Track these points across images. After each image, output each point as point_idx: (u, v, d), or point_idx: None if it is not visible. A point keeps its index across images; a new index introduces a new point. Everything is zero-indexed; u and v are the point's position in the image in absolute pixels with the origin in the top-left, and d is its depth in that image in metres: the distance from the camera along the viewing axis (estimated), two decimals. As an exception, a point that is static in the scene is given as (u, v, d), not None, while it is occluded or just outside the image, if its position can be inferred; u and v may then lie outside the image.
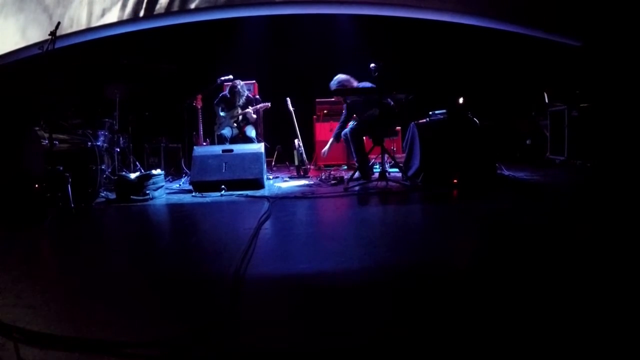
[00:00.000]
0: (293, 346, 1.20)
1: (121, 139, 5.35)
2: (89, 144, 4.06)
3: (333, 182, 4.73)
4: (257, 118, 6.02)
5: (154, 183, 4.22)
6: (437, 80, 6.89)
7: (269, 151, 6.27)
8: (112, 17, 7.10)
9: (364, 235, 2.48)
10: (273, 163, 7.08)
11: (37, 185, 3.25)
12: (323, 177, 4.97)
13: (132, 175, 4.24)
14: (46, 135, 3.51)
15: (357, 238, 2.44)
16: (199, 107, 5.75)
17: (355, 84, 4.97)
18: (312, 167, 6.12)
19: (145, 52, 7.14)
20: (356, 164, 4.94)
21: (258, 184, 4.52)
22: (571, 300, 1.42)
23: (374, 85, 4.71)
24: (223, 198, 4.09)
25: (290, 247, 2.31)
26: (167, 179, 5.45)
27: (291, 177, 5.52)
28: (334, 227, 2.92)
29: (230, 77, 5.87)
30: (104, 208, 3.87)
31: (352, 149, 4.87)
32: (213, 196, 4.18)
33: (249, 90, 6.10)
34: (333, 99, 6.62)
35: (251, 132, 5.85)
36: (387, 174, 4.56)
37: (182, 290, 1.68)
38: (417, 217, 3.20)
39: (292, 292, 1.62)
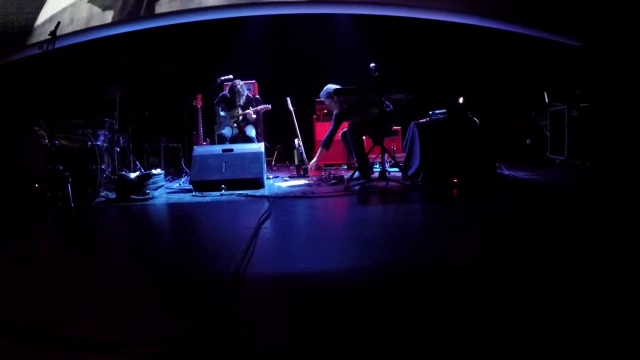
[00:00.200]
0: (293, 346, 1.20)
1: (121, 138, 5.35)
2: (89, 143, 4.06)
3: (333, 181, 4.74)
4: (257, 118, 6.02)
5: (154, 182, 4.22)
6: (437, 79, 6.89)
7: (269, 151, 6.27)
8: (113, 16, 7.10)
9: (364, 235, 2.48)
10: (273, 162, 7.08)
11: (37, 185, 3.25)
12: (323, 176, 4.97)
13: (132, 175, 4.24)
14: (46, 134, 3.51)
15: (357, 237, 2.44)
16: (199, 106, 5.75)
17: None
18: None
19: (146, 51, 7.15)
20: (356, 164, 4.94)
21: (258, 183, 4.52)
22: (571, 300, 1.42)
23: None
24: (223, 197, 4.09)
25: (290, 246, 2.31)
26: (167, 178, 5.45)
27: (291, 177, 5.52)
28: (334, 227, 2.92)
29: (230, 76, 5.86)
30: (104, 207, 3.87)
31: (352, 149, 4.87)
32: (213, 196, 4.18)
33: (249, 89, 6.10)
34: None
35: (251, 131, 5.85)
36: (387, 173, 4.56)
37: (182, 289, 1.68)
38: (417, 216, 3.20)
39: (292, 292, 1.62)
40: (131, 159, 5.57)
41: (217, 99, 5.92)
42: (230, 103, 5.85)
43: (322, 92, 5.05)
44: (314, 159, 5.25)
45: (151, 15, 7.14)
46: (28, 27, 7.12)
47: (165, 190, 4.58)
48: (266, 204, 3.42)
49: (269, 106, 5.97)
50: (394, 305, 1.45)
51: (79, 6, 7.28)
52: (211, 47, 7.60)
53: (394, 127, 6.00)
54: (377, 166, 5.25)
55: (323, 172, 5.25)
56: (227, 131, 5.74)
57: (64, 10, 7.24)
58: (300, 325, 1.32)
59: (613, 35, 6.22)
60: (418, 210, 3.37)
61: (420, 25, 7.31)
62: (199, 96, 5.76)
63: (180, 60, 7.03)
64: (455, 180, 4.18)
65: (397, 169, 5.01)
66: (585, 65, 6.51)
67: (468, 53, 7.38)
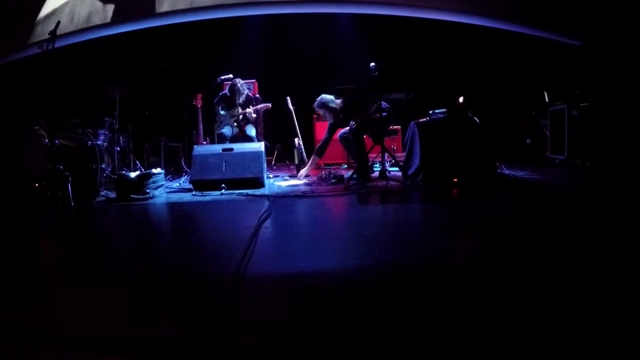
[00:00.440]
0: (293, 346, 1.20)
1: (121, 138, 5.36)
2: (89, 143, 4.06)
3: (333, 180, 4.73)
4: (257, 117, 6.02)
5: (154, 182, 4.22)
6: (438, 79, 6.89)
7: (269, 150, 6.28)
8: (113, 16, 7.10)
9: (364, 234, 2.48)
10: (273, 162, 7.09)
11: (37, 185, 3.25)
12: (323, 175, 4.97)
13: (132, 174, 4.24)
14: (46, 134, 3.51)
15: (357, 237, 2.44)
16: (199, 106, 5.75)
17: (338, 101, 4.95)
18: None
19: (146, 51, 7.14)
20: (356, 163, 4.94)
21: (258, 182, 4.52)
22: (571, 300, 1.42)
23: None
24: (223, 197, 4.09)
25: (290, 246, 2.31)
26: (167, 177, 5.45)
27: (291, 176, 5.52)
28: (334, 226, 2.92)
29: (230, 76, 5.87)
30: (104, 207, 3.87)
31: (354, 148, 4.86)
32: (213, 195, 4.18)
33: (248, 89, 6.10)
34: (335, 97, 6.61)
35: (251, 131, 5.85)
36: (387, 172, 4.56)
37: (182, 289, 1.68)
38: (417, 216, 3.20)
39: (292, 291, 1.62)
40: (131, 158, 5.58)
41: (217, 98, 5.92)
42: (230, 102, 5.85)
43: (315, 103, 5.03)
44: (306, 168, 5.20)
45: (151, 14, 7.13)
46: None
47: (165, 189, 4.58)
48: (266, 204, 3.42)
49: (269, 105, 5.97)
50: (394, 305, 1.45)
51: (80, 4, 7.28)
52: (211, 46, 7.61)
53: (394, 127, 6.00)
54: (377, 165, 5.25)
55: (323, 172, 5.25)
56: (227, 130, 5.74)
57: (65, 4, 7.24)
58: (300, 325, 1.32)
59: (613, 35, 6.22)
60: (418, 210, 3.37)
61: (420, 24, 7.30)
62: (199, 95, 5.77)
63: (180, 59, 7.03)
64: (455, 180, 4.18)
65: (397, 169, 5.01)
66: (586, 64, 6.50)
67: (468, 52, 7.38)
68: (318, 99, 5.01)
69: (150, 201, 4.01)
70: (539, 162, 5.94)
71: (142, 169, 5.37)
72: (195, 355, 1.15)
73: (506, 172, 4.86)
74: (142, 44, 7.29)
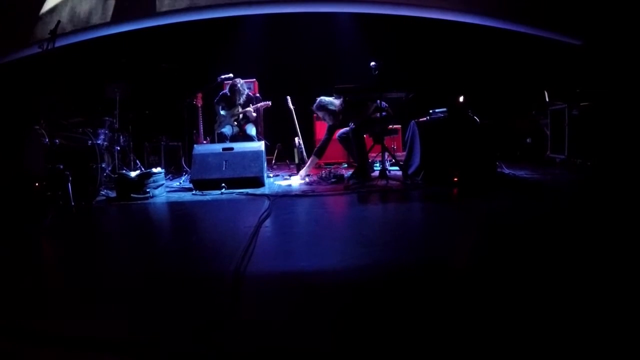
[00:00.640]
0: (293, 345, 1.20)
1: (121, 137, 5.35)
2: (90, 142, 4.06)
3: (333, 180, 4.73)
4: (257, 116, 6.02)
5: (154, 181, 4.22)
6: (438, 78, 6.89)
7: (269, 149, 6.28)
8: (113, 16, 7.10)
9: (364, 234, 2.48)
10: (273, 161, 7.09)
11: (37, 184, 3.25)
12: (323, 175, 4.96)
13: (133, 174, 4.25)
14: (46, 133, 3.51)
15: (357, 236, 2.44)
16: (199, 105, 5.75)
17: (337, 102, 4.94)
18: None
19: (146, 50, 7.14)
20: (356, 163, 4.94)
21: (258, 182, 4.52)
22: (571, 299, 1.42)
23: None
24: (223, 196, 4.09)
25: (290, 245, 2.31)
26: (168, 177, 5.45)
27: (291, 175, 5.52)
28: (334, 226, 2.92)
29: (231, 75, 5.86)
30: (104, 206, 3.87)
31: (354, 148, 4.86)
32: (213, 194, 4.18)
33: (249, 88, 6.10)
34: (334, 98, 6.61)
35: (251, 130, 5.85)
36: (387, 172, 4.56)
37: (182, 288, 1.68)
38: (418, 215, 3.20)
39: (292, 291, 1.62)
40: (131, 157, 5.58)
41: (217, 98, 5.92)
42: (230, 102, 5.85)
43: (314, 105, 5.00)
44: (304, 169, 5.17)
45: (151, 14, 7.13)
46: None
47: (166, 189, 4.59)
48: (266, 203, 3.42)
49: (269, 103, 5.96)
50: (394, 304, 1.45)
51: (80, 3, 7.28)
52: (211, 46, 7.60)
53: (395, 126, 6.00)
54: (378, 165, 5.25)
55: (323, 171, 5.25)
56: (227, 130, 5.74)
57: (65, 2, 7.24)
58: (300, 325, 1.32)
59: (613, 34, 6.21)
60: (418, 209, 3.37)
61: (420, 24, 7.30)
62: (199, 95, 5.77)
63: (181, 59, 7.02)
64: (455, 179, 4.18)
65: (397, 168, 5.01)
66: (586, 64, 6.50)
67: (468, 52, 7.37)
68: (317, 101, 4.98)
69: (151, 200, 4.01)
70: (539, 162, 5.94)
71: (143, 169, 5.37)
72: (196, 355, 1.15)
73: (506, 171, 4.86)
74: (143, 44, 7.29)
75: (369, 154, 4.96)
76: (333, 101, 4.94)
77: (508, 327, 1.24)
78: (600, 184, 4.12)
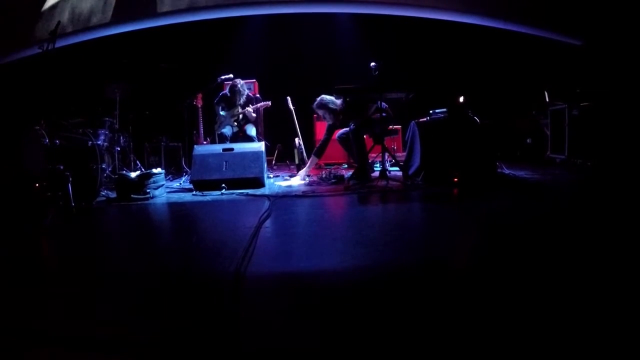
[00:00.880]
0: (293, 346, 1.20)
1: (122, 137, 5.36)
2: (90, 143, 4.06)
3: (333, 180, 4.73)
4: (257, 117, 6.02)
5: (154, 182, 4.22)
6: (438, 78, 6.89)
7: (269, 150, 6.28)
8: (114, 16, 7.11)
9: (364, 234, 2.48)
10: (273, 162, 7.09)
11: (37, 185, 3.25)
12: (323, 175, 4.96)
13: (133, 174, 4.25)
14: (46, 134, 3.51)
15: (357, 237, 2.44)
16: (200, 106, 5.75)
17: (338, 102, 4.94)
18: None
19: (146, 51, 7.15)
20: (356, 163, 4.94)
21: (258, 182, 4.52)
22: (571, 299, 1.42)
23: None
24: (223, 197, 4.09)
25: (290, 245, 2.31)
26: (168, 177, 5.45)
27: (292, 176, 5.52)
28: (334, 226, 2.92)
29: (231, 76, 5.87)
30: (104, 207, 3.87)
31: (354, 148, 4.86)
32: (213, 195, 4.18)
33: (249, 89, 6.10)
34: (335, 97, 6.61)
35: (251, 130, 5.85)
36: (387, 172, 4.56)
37: (182, 289, 1.68)
38: (418, 215, 3.20)
39: (292, 291, 1.62)
40: (131, 158, 5.58)
41: (217, 99, 5.92)
42: (230, 102, 5.85)
43: (315, 103, 5.00)
44: (304, 169, 5.16)
45: (152, 14, 7.14)
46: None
47: (166, 189, 4.59)
48: (267, 203, 3.42)
49: (269, 103, 5.96)
50: (394, 305, 1.45)
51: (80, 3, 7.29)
52: (211, 46, 7.61)
53: (395, 127, 6.00)
54: (378, 165, 5.25)
55: (323, 172, 5.25)
56: (227, 130, 5.74)
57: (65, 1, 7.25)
58: (300, 325, 1.32)
59: (614, 34, 6.22)
60: (418, 210, 3.37)
61: (420, 24, 7.31)
62: (199, 95, 5.77)
63: (181, 59, 7.03)
64: (455, 180, 4.18)
65: (397, 168, 5.01)
66: (586, 64, 6.50)
67: (468, 52, 7.38)
68: (318, 99, 4.99)
69: (151, 201, 4.01)
70: (539, 162, 5.94)
71: (143, 169, 5.37)
72: (196, 355, 1.15)
73: (506, 171, 4.86)
74: (143, 44, 7.29)
75: (369, 155, 4.96)
76: (334, 100, 4.94)
77: (508, 327, 1.24)
78: (600, 184, 4.12)
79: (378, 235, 2.48)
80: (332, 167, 6.20)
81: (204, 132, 5.81)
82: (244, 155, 4.65)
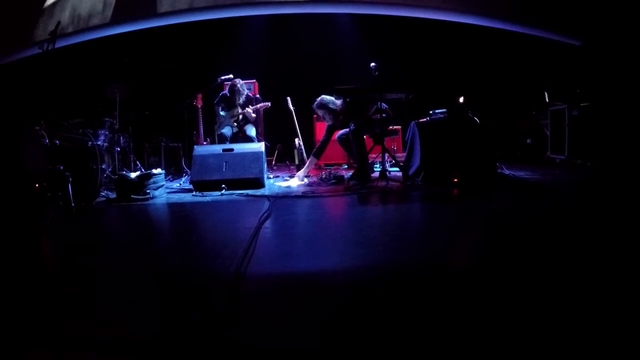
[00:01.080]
0: (293, 346, 1.20)
1: (121, 138, 5.35)
2: (90, 143, 4.06)
3: (333, 181, 4.73)
4: (257, 117, 6.01)
5: (154, 182, 4.22)
6: (438, 79, 6.89)
7: (269, 150, 6.27)
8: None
9: (364, 235, 2.48)
10: (273, 162, 7.09)
11: (37, 185, 3.25)
12: (323, 176, 4.96)
13: (133, 175, 4.24)
14: (46, 134, 3.51)
15: (357, 237, 2.44)
16: (199, 106, 5.75)
17: (339, 102, 4.94)
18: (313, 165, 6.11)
19: (146, 51, 7.15)
20: (356, 164, 4.93)
21: (258, 183, 4.52)
22: (571, 300, 1.42)
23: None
24: (223, 197, 4.09)
25: (290, 246, 2.31)
26: (168, 178, 5.45)
27: (291, 176, 5.52)
28: (334, 227, 2.92)
29: (231, 76, 5.86)
30: (104, 207, 3.87)
31: (354, 149, 4.85)
32: (213, 195, 4.18)
33: (249, 89, 6.10)
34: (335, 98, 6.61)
35: (251, 131, 5.85)
36: (387, 173, 4.56)
37: (182, 289, 1.68)
38: (417, 216, 3.20)
39: (292, 292, 1.62)
40: (131, 158, 5.57)
41: (217, 99, 5.92)
42: (230, 102, 5.85)
43: (315, 103, 4.99)
44: (303, 169, 5.13)
45: (152, 14, 7.14)
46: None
47: (166, 190, 4.58)
48: (266, 204, 3.42)
49: (269, 103, 5.96)
50: (394, 305, 1.45)
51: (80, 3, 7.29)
52: (211, 46, 7.60)
53: (395, 127, 6.00)
54: (378, 166, 5.25)
55: (323, 172, 5.24)
56: (227, 131, 5.74)
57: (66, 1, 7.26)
58: (300, 326, 1.32)
59: (613, 34, 6.22)
60: (418, 210, 3.37)
61: (420, 24, 7.30)
62: (199, 96, 5.77)
63: (181, 59, 7.03)
64: (455, 180, 4.18)
65: (397, 169, 5.01)
66: (586, 64, 6.50)
67: (468, 52, 7.38)
68: (318, 99, 4.98)
69: (151, 201, 4.01)
70: (539, 162, 5.94)
71: (143, 170, 5.37)
72: (196, 355, 1.15)
73: (506, 172, 4.86)
74: (143, 44, 7.29)
75: (369, 155, 4.96)
76: (334, 100, 4.93)
77: (508, 327, 1.24)
78: (600, 184, 4.12)
79: (378, 235, 2.48)
80: (332, 167, 6.19)
81: (203, 132, 5.80)
82: (243, 155, 4.65)
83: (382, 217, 3.13)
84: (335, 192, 4.14)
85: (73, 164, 3.59)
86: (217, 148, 4.88)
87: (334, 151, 6.04)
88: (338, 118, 4.97)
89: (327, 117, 5.01)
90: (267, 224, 2.74)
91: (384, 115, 4.68)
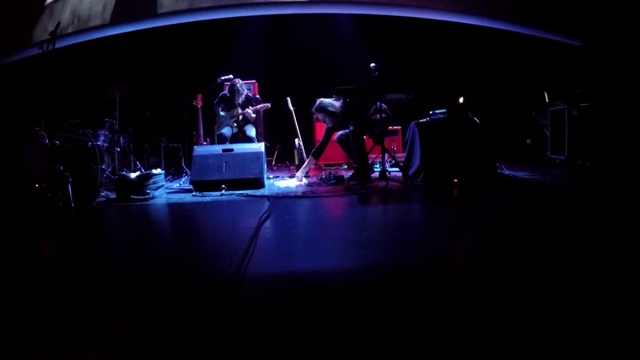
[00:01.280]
0: (293, 345, 1.20)
1: (121, 138, 5.35)
2: (90, 143, 4.06)
3: (333, 181, 4.73)
4: (257, 117, 6.02)
5: (154, 182, 4.22)
6: (438, 79, 6.89)
7: (269, 150, 6.27)
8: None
9: (363, 235, 2.48)
10: (273, 162, 7.09)
11: (37, 185, 3.25)
12: (323, 176, 4.96)
13: (133, 175, 4.24)
14: (46, 134, 3.51)
15: (357, 237, 2.44)
16: (199, 106, 5.75)
17: (337, 104, 4.93)
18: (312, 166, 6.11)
19: (146, 51, 7.15)
20: (356, 164, 4.93)
21: (258, 183, 4.52)
22: (571, 300, 1.42)
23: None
24: (223, 197, 4.08)
25: (290, 246, 2.31)
26: (168, 178, 5.45)
27: (291, 177, 5.52)
28: (334, 227, 2.92)
29: (230, 76, 5.87)
30: (104, 208, 3.87)
31: (354, 149, 4.85)
32: (213, 195, 4.17)
33: (248, 89, 6.10)
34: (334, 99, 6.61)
35: (251, 131, 5.85)
36: (387, 173, 4.56)
37: (182, 289, 1.68)
38: (417, 216, 3.20)
39: (292, 292, 1.62)
40: (131, 159, 5.57)
41: (217, 99, 5.92)
42: (229, 102, 5.85)
43: (314, 107, 4.97)
44: (301, 170, 5.10)
45: (152, 15, 7.14)
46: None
47: (166, 190, 4.58)
48: (266, 204, 3.42)
49: (269, 105, 5.97)
50: (394, 305, 1.45)
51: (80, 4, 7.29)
52: (211, 47, 7.61)
53: (395, 127, 6.00)
54: (378, 166, 5.25)
55: (323, 172, 5.24)
56: (227, 131, 5.74)
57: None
58: (300, 326, 1.32)
59: (613, 35, 6.22)
60: (418, 211, 3.37)
61: (420, 25, 7.31)
62: (199, 96, 5.77)
63: (181, 60, 7.03)
64: (455, 180, 4.17)
65: (397, 169, 5.01)
66: (586, 65, 6.50)
67: (468, 53, 7.38)
68: (317, 102, 4.97)
69: (151, 202, 4.01)
70: (539, 163, 5.94)
71: (142, 170, 5.37)
72: (196, 355, 1.15)
73: (506, 172, 4.86)
74: (143, 45, 7.29)
75: (369, 155, 4.96)
76: (333, 103, 4.93)
77: (508, 327, 1.24)
78: (600, 185, 4.12)
79: (378, 235, 2.48)
80: (332, 167, 6.19)
81: (203, 132, 5.80)
82: (243, 156, 4.65)
83: (382, 218, 3.13)
84: (335, 192, 4.14)
85: (73, 165, 3.59)
86: (217, 148, 4.88)
87: (334, 151, 6.04)
88: (337, 120, 4.97)
89: (326, 119, 5.01)
90: (267, 224, 2.74)
91: (383, 115, 4.68)
